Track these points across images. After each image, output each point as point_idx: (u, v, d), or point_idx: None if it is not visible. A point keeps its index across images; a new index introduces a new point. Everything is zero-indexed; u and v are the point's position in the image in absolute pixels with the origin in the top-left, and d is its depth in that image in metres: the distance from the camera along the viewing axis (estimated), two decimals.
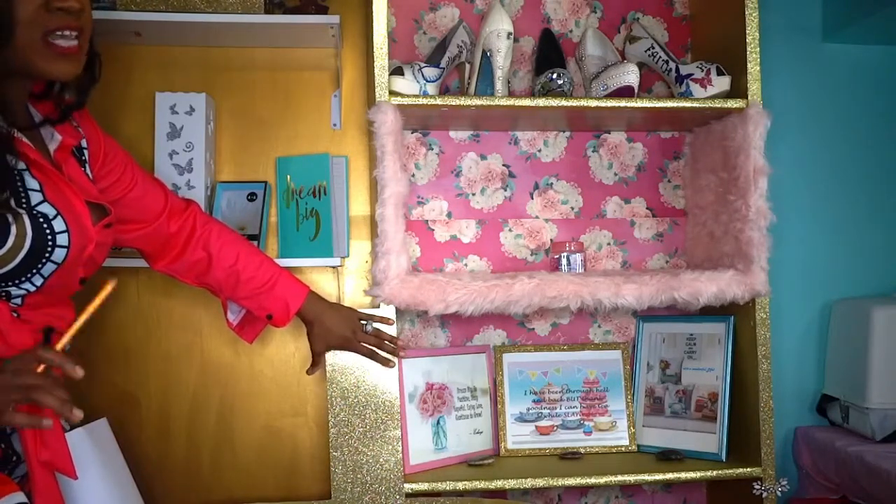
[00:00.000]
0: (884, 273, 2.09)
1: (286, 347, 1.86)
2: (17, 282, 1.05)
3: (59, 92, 1.17)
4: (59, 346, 1.00)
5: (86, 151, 1.24)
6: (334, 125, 1.88)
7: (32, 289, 1.07)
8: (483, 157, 1.92)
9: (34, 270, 1.06)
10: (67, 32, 1.03)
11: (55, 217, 1.07)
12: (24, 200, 1.05)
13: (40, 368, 0.96)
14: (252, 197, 1.81)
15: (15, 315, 1.07)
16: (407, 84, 1.63)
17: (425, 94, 1.64)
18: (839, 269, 2.08)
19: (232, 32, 1.73)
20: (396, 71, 1.63)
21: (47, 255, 1.06)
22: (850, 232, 2.08)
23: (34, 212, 1.05)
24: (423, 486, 1.60)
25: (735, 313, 1.76)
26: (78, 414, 0.94)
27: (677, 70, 1.77)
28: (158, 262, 1.43)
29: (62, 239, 1.07)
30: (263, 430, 1.85)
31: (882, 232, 2.10)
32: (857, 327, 1.93)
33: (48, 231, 1.06)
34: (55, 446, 1.07)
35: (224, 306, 1.50)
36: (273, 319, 1.46)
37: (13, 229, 1.01)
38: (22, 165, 1.06)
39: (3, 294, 1.06)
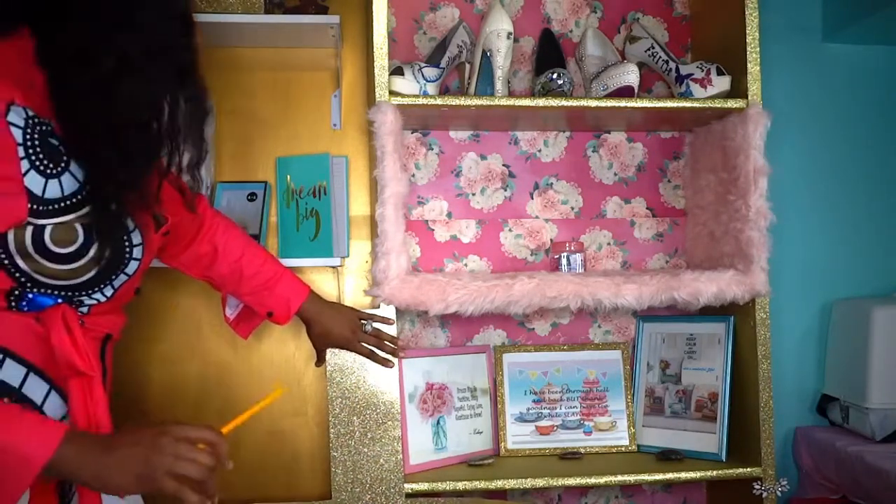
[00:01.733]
0: (884, 273, 2.09)
1: (286, 347, 1.86)
2: (89, 292, 1.04)
3: None
4: (226, 431, 1.01)
5: None
6: (334, 125, 1.88)
7: (103, 299, 1.07)
8: (483, 157, 1.92)
9: (107, 282, 1.05)
10: None
11: (133, 230, 1.07)
12: (108, 212, 1.04)
13: (201, 446, 0.97)
14: (252, 197, 1.81)
15: (81, 323, 1.06)
16: (407, 84, 1.63)
17: (425, 94, 1.64)
18: (839, 269, 2.08)
19: (232, 32, 1.73)
20: (396, 71, 1.63)
21: (122, 267, 1.06)
22: (850, 232, 2.08)
23: (117, 223, 1.04)
24: (423, 486, 1.60)
25: (735, 313, 1.76)
26: None
27: (677, 70, 1.77)
28: (164, 254, 1.43)
29: (137, 252, 1.08)
30: (263, 431, 1.85)
31: (882, 232, 2.10)
32: (857, 327, 1.93)
33: (127, 244, 1.06)
34: None
35: (223, 300, 1.50)
36: (273, 317, 1.46)
37: (96, 240, 1.01)
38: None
39: (78, 304, 1.05)
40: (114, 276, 1.06)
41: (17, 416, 0.92)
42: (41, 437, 0.90)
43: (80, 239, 0.99)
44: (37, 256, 0.97)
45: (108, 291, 1.07)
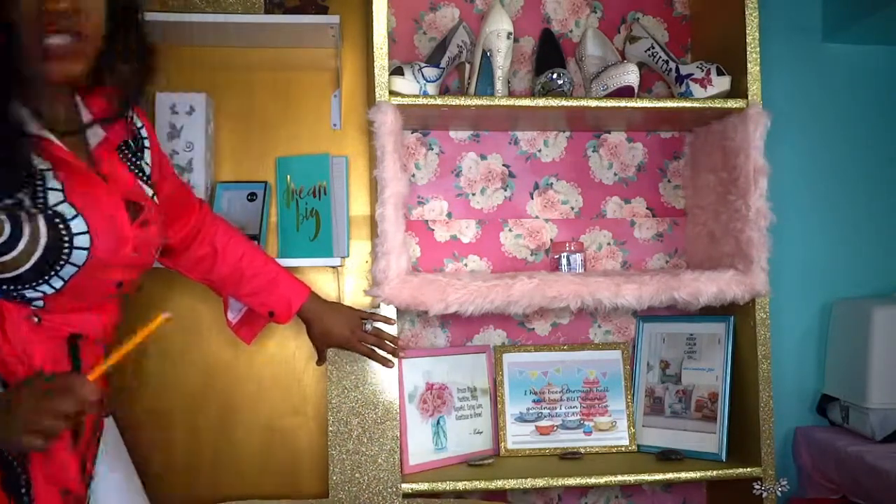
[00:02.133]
0: (884, 273, 2.09)
1: (286, 347, 1.86)
2: (32, 285, 1.02)
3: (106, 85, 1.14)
4: (92, 377, 0.97)
5: (146, 141, 1.23)
6: (334, 125, 1.88)
7: (50, 291, 1.03)
8: (483, 157, 1.92)
9: (52, 273, 1.02)
10: (60, 36, 1.02)
11: (74, 217, 1.03)
12: (41, 201, 1.01)
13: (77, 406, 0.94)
14: (252, 197, 1.81)
15: (36, 320, 1.03)
16: (407, 84, 1.63)
17: (425, 94, 1.64)
18: (839, 269, 2.08)
19: (232, 32, 1.73)
20: (396, 71, 1.63)
21: (65, 257, 1.02)
22: (850, 232, 2.08)
23: (50, 212, 1.01)
24: (423, 487, 1.60)
25: (735, 313, 1.76)
26: None
27: (677, 70, 1.77)
28: (163, 257, 1.44)
29: (81, 240, 1.04)
30: (263, 429, 1.85)
31: (882, 232, 2.10)
32: (857, 327, 1.93)
33: (65, 232, 1.02)
34: (61, 462, 1.04)
35: (225, 305, 1.51)
36: (275, 317, 1.46)
37: (26, 231, 0.98)
38: (45, 165, 1.03)
39: (18, 297, 1.02)
40: (57, 267, 1.02)
41: None
42: None
43: (7, 231, 0.97)
44: None
45: (57, 283, 1.03)
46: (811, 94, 2.08)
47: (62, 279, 1.04)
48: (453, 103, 1.63)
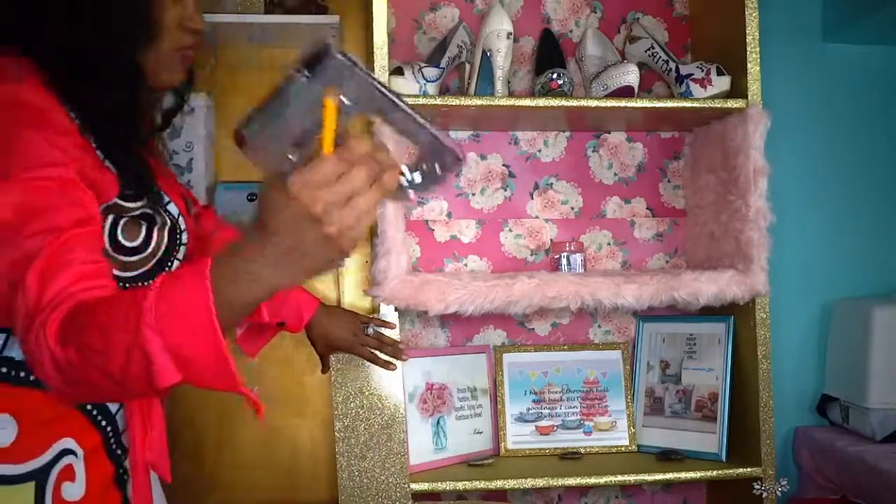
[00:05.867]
0: (884, 273, 2.09)
1: (287, 348, 1.85)
2: (145, 283, 1.00)
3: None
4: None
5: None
6: None
7: None
8: (483, 157, 1.92)
9: (165, 270, 1.04)
10: (191, 51, 1.08)
11: (179, 216, 1.06)
12: (164, 204, 1.04)
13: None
14: (252, 197, 1.81)
15: None
16: (407, 84, 1.63)
17: (425, 94, 1.64)
18: (839, 269, 2.08)
19: (232, 32, 1.73)
20: (396, 71, 1.63)
21: (176, 254, 1.05)
22: (850, 232, 2.08)
23: (166, 211, 1.04)
24: (424, 487, 1.60)
25: (735, 313, 1.76)
26: None
27: (677, 70, 1.77)
28: None
29: (185, 237, 1.07)
30: (263, 430, 1.85)
31: (882, 232, 2.10)
32: (857, 327, 1.93)
33: (177, 232, 1.05)
34: (159, 447, 1.05)
35: None
36: (286, 326, 1.47)
37: (155, 234, 1.00)
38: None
39: None
40: (169, 265, 1.04)
41: None
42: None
43: (143, 230, 0.99)
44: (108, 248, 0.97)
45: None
46: (811, 94, 2.08)
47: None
48: (453, 103, 1.63)
